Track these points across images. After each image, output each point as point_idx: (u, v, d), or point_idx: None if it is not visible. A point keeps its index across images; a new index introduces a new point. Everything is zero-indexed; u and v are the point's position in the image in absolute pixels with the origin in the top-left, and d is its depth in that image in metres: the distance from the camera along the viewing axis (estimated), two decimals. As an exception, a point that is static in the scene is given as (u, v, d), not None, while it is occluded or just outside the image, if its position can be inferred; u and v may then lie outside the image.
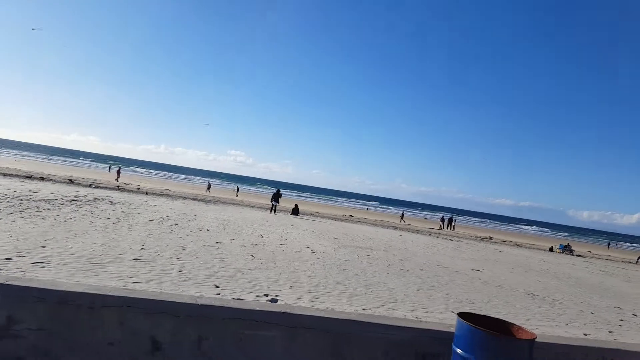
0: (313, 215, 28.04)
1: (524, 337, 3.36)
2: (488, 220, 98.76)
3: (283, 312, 4.03)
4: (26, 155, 64.85)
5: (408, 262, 11.02)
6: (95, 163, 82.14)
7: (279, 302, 5.43)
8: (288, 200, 50.58)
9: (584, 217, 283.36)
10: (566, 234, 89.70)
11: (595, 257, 29.48)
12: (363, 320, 3.90)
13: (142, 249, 7.32)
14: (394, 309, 6.11)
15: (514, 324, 3.52)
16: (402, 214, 42.82)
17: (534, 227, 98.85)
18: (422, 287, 8.14)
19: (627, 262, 28.81)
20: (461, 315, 3.37)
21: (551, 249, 27.90)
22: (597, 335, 6.51)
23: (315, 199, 75.97)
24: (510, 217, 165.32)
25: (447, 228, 36.05)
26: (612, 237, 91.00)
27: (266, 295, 5.65)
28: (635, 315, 8.69)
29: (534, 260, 17.58)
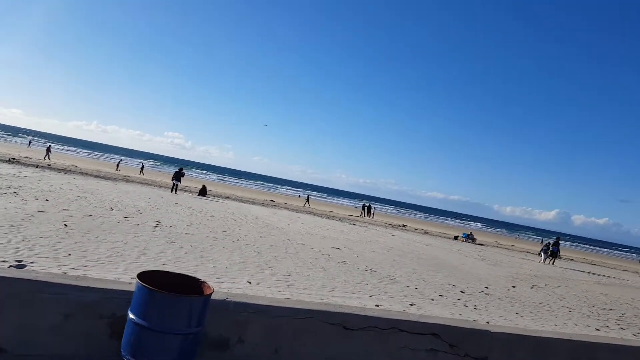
0: (227, 198, 27.46)
1: (206, 293, 3.23)
2: (429, 215, 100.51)
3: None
4: None
5: (265, 238, 10.95)
6: (12, 137, 75.38)
7: (26, 269, 5.02)
8: (227, 187, 49.53)
9: (507, 212, 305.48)
10: (503, 229, 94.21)
11: (498, 247, 31.42)
12: (43, 279, 3.55)
13: None
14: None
15: (204, 282, 3.38)
16: (308, 198, 43.52)
17: (477, 223, 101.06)
18: (249, 260, 8.04)
19: (526, 252, 30.68)
20: (142, 275, 3.10)
21: (456, 238, 29.50)
22: (391, 306, 6.71)
23: (253, 186, 75.09)
24: (454, 213, 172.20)
25: (367, 215, 36.98)
26: (540, 234, 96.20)
27: (19, 262, 5.20)
28: (463, 293, 9.10)
29: (416, 244, 18.33)
